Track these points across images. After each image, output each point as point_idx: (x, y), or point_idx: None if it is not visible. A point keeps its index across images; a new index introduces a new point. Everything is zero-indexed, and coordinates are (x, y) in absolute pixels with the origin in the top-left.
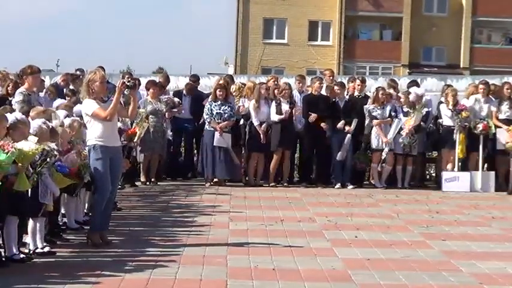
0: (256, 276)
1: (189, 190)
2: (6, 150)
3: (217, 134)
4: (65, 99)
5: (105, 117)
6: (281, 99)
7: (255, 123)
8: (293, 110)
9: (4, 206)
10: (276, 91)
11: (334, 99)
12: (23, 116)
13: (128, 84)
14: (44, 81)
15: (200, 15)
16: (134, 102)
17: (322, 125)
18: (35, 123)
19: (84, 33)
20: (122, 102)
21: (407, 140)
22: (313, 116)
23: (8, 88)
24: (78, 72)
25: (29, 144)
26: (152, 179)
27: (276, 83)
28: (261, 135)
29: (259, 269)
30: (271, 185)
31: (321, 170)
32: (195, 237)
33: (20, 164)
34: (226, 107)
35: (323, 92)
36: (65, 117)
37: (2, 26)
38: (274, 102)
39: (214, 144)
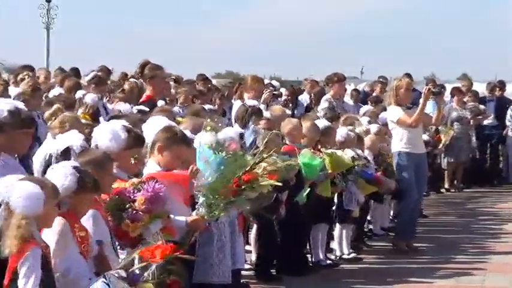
0: None
1: (496, 197)
2: (319, 157)
3: None
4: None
5: (410, 124)
6: None
7: None
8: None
9: (313, 212)
10: None
11: None
12: (330, 124)
13: (434, 91)
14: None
15: (502, 20)
16: (439, 109)
17: None
18: (342, 131)
19: (388, 39)
20: None
21: None
22: None
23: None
24: (381, 80)
25: (346, 154)
26: (457, 186)
27: None
28: None
29: None
30: None
31: None
32: (503, 245)
33: (330, 171)
34: None
35: None
36: (370, 124)
37: (313, 34)
38: None
39: None
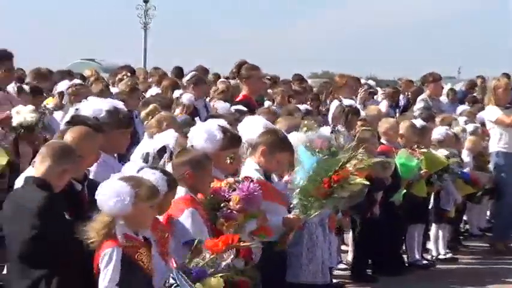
0: None
1: None
2: (416, 157)
3: None
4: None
5: (509, 124)
6: None
7: None
8: None
9: (408, 213)
10: None
11: None
12: (426, 123)
13: None
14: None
15: None
16: None
17: None
18: (441, 130)
19: (486, 38)
20: None
21: None
22: None
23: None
24: (479, 79)
25: (441, 152)
26: None
27: None
28: None
29: None
30: None
31: None
32: None
33: (424, 170)
34: None
35: None
36: (466, 124)
37: (409, 33)
38: None
39: None
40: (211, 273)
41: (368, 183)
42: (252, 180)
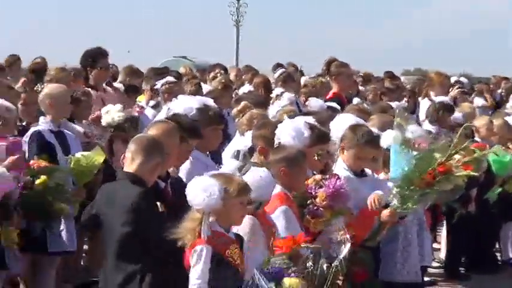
0: None
1: None
2: (510, 154)
3: None
4: None
5: None
6: None
7: None
8: None
9: (503, 210)
10: None
11: None
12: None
13: None
14: None
15: None
16: None
17: None
18: None
19: None
20: None
21: None
22: None
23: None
24: None
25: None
26: None
27: None
28: None
29: None
30: None
31: None
32: None
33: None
34: None
35: None
36: None
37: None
38: None
39: None
40: (287, 273)
41: (477, 174)
42: (339, 177)
